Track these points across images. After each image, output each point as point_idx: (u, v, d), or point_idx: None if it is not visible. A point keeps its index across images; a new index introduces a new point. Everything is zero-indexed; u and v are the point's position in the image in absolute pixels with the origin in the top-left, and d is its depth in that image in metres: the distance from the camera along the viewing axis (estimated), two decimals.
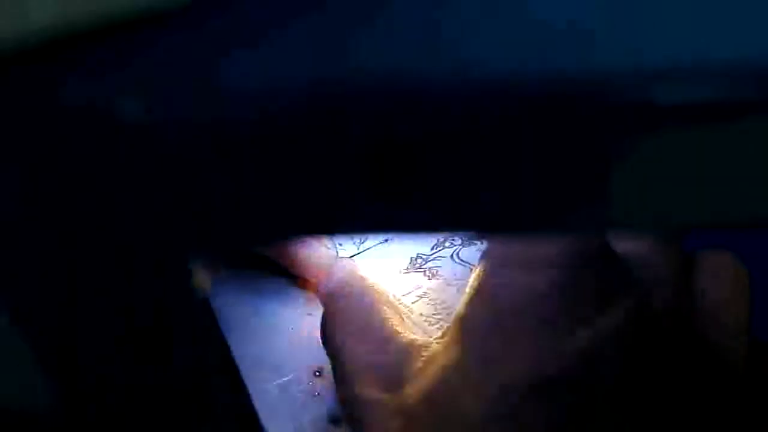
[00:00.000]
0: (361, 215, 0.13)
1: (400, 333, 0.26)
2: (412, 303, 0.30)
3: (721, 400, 0.23)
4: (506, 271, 0.23)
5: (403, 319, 0.27)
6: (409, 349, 0.24)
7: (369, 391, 0.24)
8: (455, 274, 0.31)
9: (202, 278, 0.14)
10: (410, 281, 0.31)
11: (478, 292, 0.23)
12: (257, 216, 0.12)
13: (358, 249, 0.33)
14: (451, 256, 0.32)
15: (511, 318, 0.22)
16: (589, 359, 0.21)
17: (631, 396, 0.22)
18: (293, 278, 0.31)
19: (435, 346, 0.24)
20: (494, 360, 0.22)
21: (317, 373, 0.27)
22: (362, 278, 0.29)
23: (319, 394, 0.27)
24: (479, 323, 0.23)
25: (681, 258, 0.25)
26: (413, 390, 0.23)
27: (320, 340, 0.27)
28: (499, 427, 0.21)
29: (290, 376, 0.27)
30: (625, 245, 0.24)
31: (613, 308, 0.22)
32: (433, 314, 0.29)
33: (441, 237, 0.33)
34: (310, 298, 0.31)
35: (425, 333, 0.28)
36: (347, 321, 0.26)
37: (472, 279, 0.24)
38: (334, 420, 0.26)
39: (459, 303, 0.29)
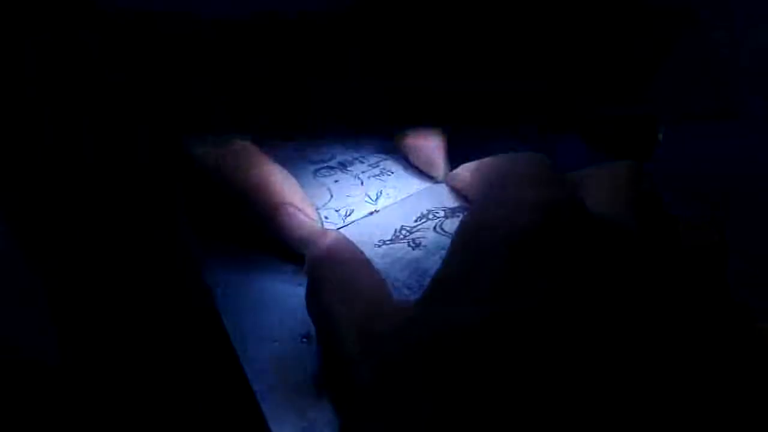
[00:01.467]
0: None
1: (384, 298, 0.27)
2: (396, 272, 0.31)
3: (697, 361, 0.24)
4: (481, 235, 0.24)
5: (386, 285, 0.28)
6: (393, 312, 0.25)
7: (353, 350, 0.25)
8: (438, 245, 0.32)
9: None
10: (394, 251, 0.32)
11: (454, 255, 0.24)
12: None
13: (343, 222, 0.34)
14: (434, 227, 0.33)
15: (489, 272, 0.23)
16: (567, 304, 0.22)
17: (605, 344, 0.22)
18: (280, 251, 0.32)
19: (417, 307, 0.25)
20: (473, 313, 0.23)
21: (304, 339, 0.28)
22: (347, 248, 0.29)
23: (306, 358, 0.28)
24: (459, 279, 0.23)
25: (660, 223, 0.26)
26: (396, 348, 0.24)
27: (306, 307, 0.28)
28: (482, 376, 0.22)
29: (278, 342, 0.28)
30: (605, 209, 0.25)
31: (580, 262, 0.23)
32: (416, 281, 0.30)
33: (424, 210, 0.34)
34: (297, 270, 0.31)
35: (408, 298, 0.29)
36: (333, 287, 0.27)
37: (452, 241, 0.25)
38: (320, 383, 0.27)
39: None
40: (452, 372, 0.22)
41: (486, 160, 0.31)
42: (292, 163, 0.35)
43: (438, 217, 0.33)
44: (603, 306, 0.23)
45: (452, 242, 0.25)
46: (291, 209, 0.32)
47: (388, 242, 0.32)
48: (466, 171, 0.33)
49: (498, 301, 0.22)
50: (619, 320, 0.23)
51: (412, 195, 0.35)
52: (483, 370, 0.22)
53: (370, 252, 0.31)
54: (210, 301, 0.18)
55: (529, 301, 0.22)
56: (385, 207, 0.34)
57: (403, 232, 0.33)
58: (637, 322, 0.23)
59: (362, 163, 0.37)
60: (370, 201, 0.35)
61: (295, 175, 0.34)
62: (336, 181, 0.36)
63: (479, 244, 0.24)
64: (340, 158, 0.37)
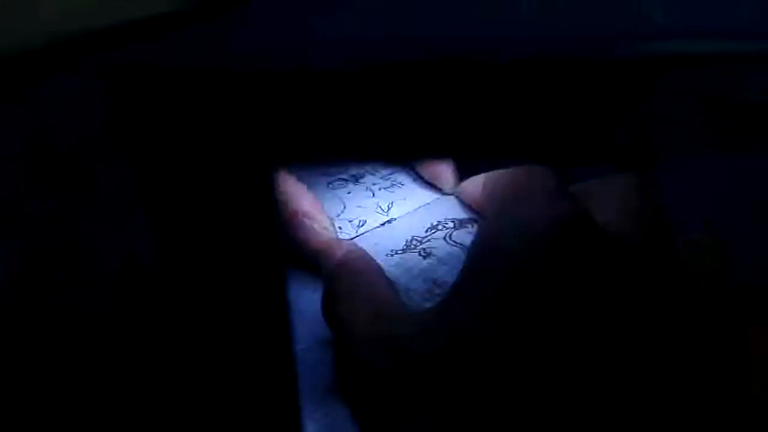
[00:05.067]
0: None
1: (397, 304, 0.28)
2: (408, 280, 0.32)
3: (698, 366, 0.25)
4: (496, 250, 0.25)
5: (399, 294, 0.29)
6: (407, 319, 0.26)
7: (369, 357, 0.26)
8: (448, 254, 0.33)
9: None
10: (406, 260, 0.33)
11: (473, 264, 0.25)
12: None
13: (356, 232, 0.35)
14: (444, 238, 0.34)
15: (504, 284, 0.24)
16: (577, 316, 0.23)
17: (610, 354, 0.24)
18: (296, 260, 0.33)
19: (431, 315, 0.26)
20: (488, 322, 0.24)
21: (325, 343, 0.29)
22: (361, 257, 0.31)
23: (326, 360, 0.29)
24: (475, 291, 0.25)
25: (663, 235, 0.27)
26: (412, 355, 0.25)
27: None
28: (494, 383, 0.23)
29: (303, 347, 0.29)
30: (611, 222, 0.26)
31: (591, 277, 0.24)
32: (427, 290, 0.31)
33: (435, 221, 0.35)
34: (312, 278, 0.33)
35: (419, 305, 0.30)
36: (347, 295, 0.28)
37: (467, 254, 0.26)
38: (338, 385, 0.28)
39: (451, 279, 0.32)
40: (472, 378, 0.23)
41: (494, 173, 0.33)
42: (306, 176, 0.37)
43: (448, 228, 0.34)
44: (611, 319, 0.24)
45: (468, 255, 0.26)
46: (306, 219, 0.33)
47: (399, 252, 0.33)
48: (474, 184, 0.35)
49: (516, 315, 0.23)
50: (625, 332, 0.24)
51: (422, 206, 0.36)
52: (501, 380, 0.23)
53: (382, 261, 0.32)
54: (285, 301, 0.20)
55: (545, 316, 0.23)
56: (397, 218, 0.35)
57: (414, 242, 0.34)
58: (640, 335, 0.24)
59: (373, 175, 0.38)
60: (382, 212, 0.36)
61: (310, 187, 0.35)
62: (349, 193, 0.37)
63: (495, 259, 0.25)
64: (352, 171, 0.38)
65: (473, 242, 0.26)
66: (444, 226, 0.35)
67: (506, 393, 0.23)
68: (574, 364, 0.23)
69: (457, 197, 0.36)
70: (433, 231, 0.35)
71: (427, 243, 0.34)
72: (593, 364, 0.23)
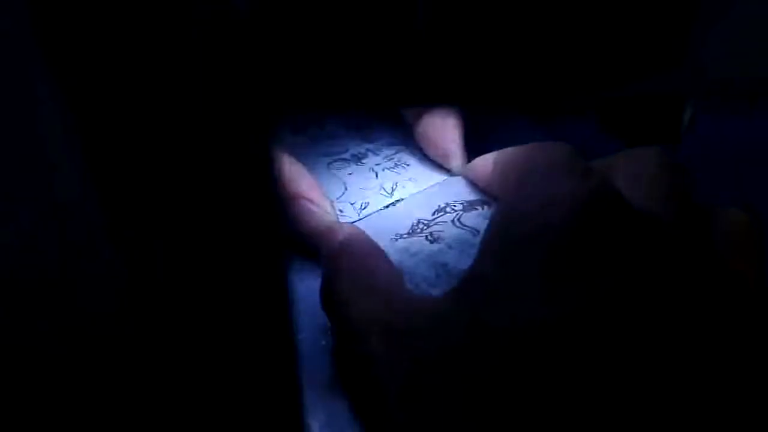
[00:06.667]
0: None
1: (403, 292, 0.26)
2: (414, 266, 0.30)
3: (734, 351, 0.23)
4: (517, 231, 0.23)
5: (404, 280, 0.27)
6: (414, 306, 0.24)
7: (375, 347, 0.24)
8: (456, 238, 0.31)
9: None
10: (412, 245, 0.31)
11: (492, 247, 0.23)
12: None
13: (359, 215, 0.33)
14: (452, 221, 0.32)
15: (520, 272, 0.22)
16: (600, 309, 0.21)
17: (636, 346, 0.22)
18: (295, 245, 0.31)
19: (441, 303, 0.24)
20: (503, 311, 0.22)
21: (327, 333, 0.27)
22: (364, 240, 0.28)
23: (327, 352, 0.27)
24: (495, 276, 0.22)
25: (694, 213, 0.25)
26: (424, 348, 0.23)
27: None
28: (508, 375, 0.21)
29: (303, 335, 0.27)
30: (638, 200, 0.24)
31: (625, 259, 0.22)
32: (435, 275, 0.29)
33: (442, 203, 0.33)
34: (311, 264, 0.30)
35: (426, 293, 0.28)
36: (350, 280, 0.26)
37: (483, 236, 0.24)
38: (338, 377, 0.26)
39: (460, 265, 0.29)
40: (495, 376, 0.21)
41: (506, 150, 0.30)
42: (305, 156, 0.34)
43: (456, 211, 0.32)
44: (645, 306, 0.21)
45: (484, 237, 0.24)
46: (305, 202, 0.31)
47: (405, 236, 0.31)
48: (484, 163, 0.32)
49: (541, 305, 0.21)
50: (658, 319, 0.22)
51: (429, 188, 0.34)
52: (525, 376, 0.21)
53: (386, 246, 0.30)
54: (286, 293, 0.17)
55: (574, 304, 0.21)
56: (402, 200, 0.33)
57: (421, 225, 0.32)
58: (674, 319, 0.22)
59: (377, 155, 0.36)
60: (386, 194, 0.34)
61: (309, 168, 0.33)
62: (350, 174, 0.35)
63: (516, 241, 0.22)
64: (353, 150, 0.36)
65: (490, 223, 0.24)
66: (452, 209, 0.33)
67: (534, 387, 0.21)
68: (610, 356, 0.21)
69: (465, 178, 0.34)
70: (440, 214, 0.32)
71: (434, 226, 0.32)
72: (627, 354, 0.21)
